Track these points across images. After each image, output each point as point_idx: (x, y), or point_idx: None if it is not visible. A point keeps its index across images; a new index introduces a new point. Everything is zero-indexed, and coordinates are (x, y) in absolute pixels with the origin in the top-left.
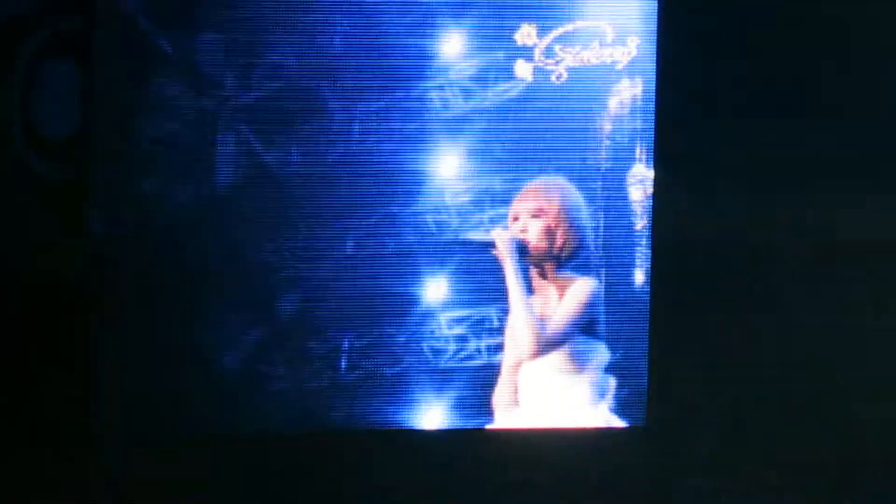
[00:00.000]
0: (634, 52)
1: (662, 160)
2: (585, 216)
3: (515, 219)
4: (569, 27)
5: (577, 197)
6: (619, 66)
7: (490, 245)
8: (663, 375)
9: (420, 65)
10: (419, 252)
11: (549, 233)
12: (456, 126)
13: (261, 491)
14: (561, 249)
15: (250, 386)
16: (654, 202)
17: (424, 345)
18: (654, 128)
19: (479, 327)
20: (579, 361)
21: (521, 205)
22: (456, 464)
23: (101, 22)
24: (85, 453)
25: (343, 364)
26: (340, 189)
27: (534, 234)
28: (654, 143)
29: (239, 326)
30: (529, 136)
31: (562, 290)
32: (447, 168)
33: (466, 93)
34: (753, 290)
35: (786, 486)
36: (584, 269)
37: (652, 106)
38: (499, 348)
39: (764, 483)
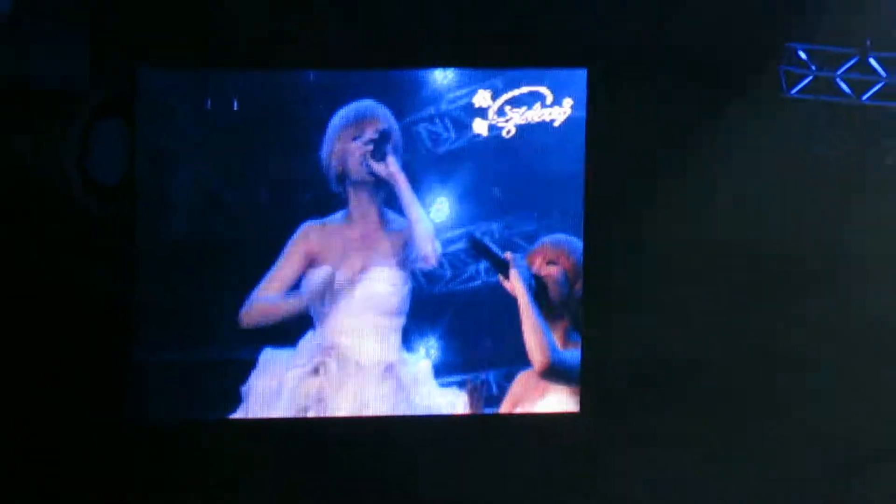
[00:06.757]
0: (569, 112)
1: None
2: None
3: (529, 265)
4: (516, 92)
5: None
6: (557, 124)
7: (503, 264)
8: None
9: (407, 94)
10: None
11: (567, 279)
12: (447, 164)
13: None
14: (577, 304)
15: None
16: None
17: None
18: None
19: (477, 395)
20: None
21: (536, 254)
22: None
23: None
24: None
25: None
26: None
27: (550, 278)
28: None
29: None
30: (530, 173)
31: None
32: (437, 212)
33: (459, 126)
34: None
35: None
36: None
37: None
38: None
39: None
